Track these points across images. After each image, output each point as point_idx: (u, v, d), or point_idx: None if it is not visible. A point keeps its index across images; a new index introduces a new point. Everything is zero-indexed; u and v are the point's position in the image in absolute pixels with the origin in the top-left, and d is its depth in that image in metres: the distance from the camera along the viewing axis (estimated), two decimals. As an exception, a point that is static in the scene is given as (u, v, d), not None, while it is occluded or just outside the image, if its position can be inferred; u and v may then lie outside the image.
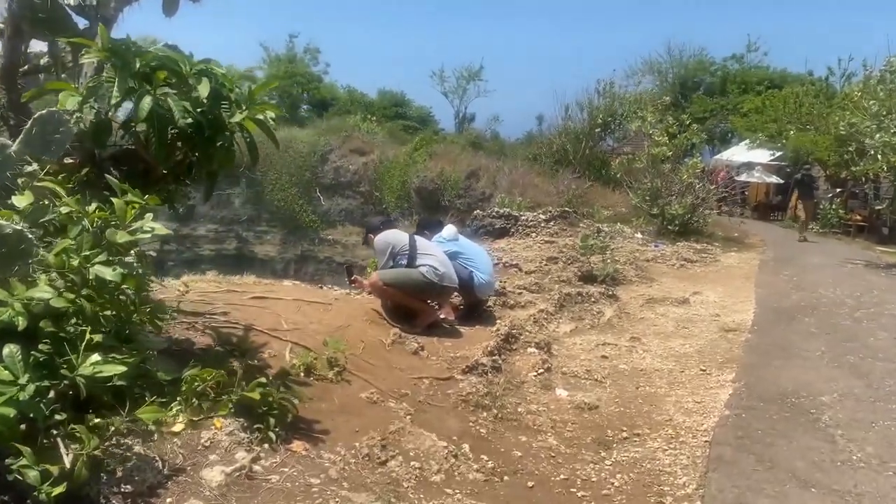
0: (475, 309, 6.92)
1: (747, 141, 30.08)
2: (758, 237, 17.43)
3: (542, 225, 12.68)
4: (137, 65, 3.30)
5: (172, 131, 3.42)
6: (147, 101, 3.26)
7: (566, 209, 13.83)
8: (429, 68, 53.53)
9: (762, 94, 33.43)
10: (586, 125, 21.69)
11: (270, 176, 29.63)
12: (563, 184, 16.71)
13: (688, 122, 14.77)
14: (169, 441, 3.29)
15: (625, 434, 4.80)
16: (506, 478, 4.00)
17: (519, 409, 4.94)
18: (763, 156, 28.54)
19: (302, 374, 4.35)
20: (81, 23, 3.74)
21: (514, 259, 9.74)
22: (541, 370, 5.73)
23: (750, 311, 8.37)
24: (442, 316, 6.37)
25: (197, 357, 3.87)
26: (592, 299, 8.18)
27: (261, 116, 3.62)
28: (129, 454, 3.06)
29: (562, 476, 4.11)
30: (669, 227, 14.09)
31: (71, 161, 3.49)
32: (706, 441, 4.68)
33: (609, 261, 9.94)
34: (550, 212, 13.24)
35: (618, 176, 16.47)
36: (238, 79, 3.62)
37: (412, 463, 3.84)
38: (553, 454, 4.39)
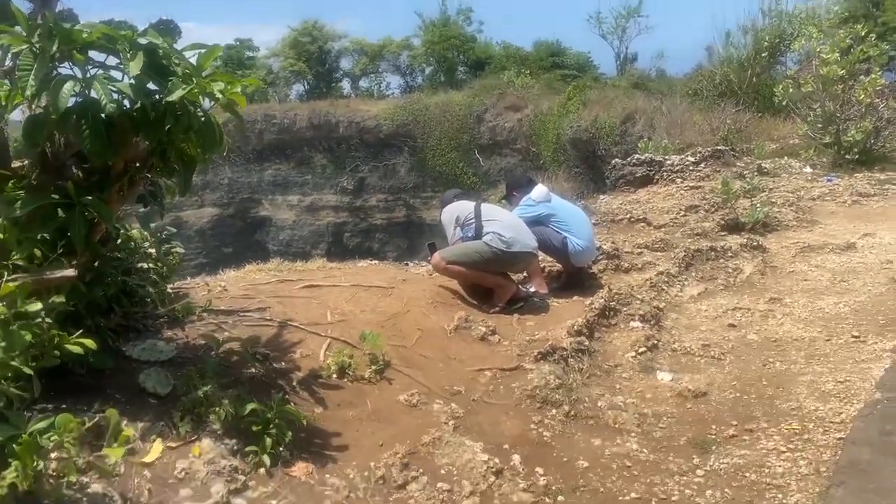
0: (577, 277, 6.05)
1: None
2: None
3: (691, 168, 11.22)
4: (56, 46, 2.79)
5: (124, 117, 2.92)
6: (68, 88, 2.76)
7: (720, 147, 12.19)
8: (586, 12, 50.66)
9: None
10: (751, 51, 19.26)
11: (431, 142, 29.69)
12: (719, 118, 14.84)
13: (864, 34, 12.40)
14: (139, 473, 2.83)
15: (732, 431, 3.82)
16: (560, 498, 3.21)
17: (600, 404, 4.08)
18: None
19: (335, 376, 3.82)
20: (25, 6, 3.31)
21: (645, 212, 8.59)
22: (643, 349, 4.82)
23: (937, 255, 6.73)
24: (532, 289, 5.60)
25: (203, 365, 3.41)
26: (730, 253, 6.96)
27: (215, 91, 3.00)
28: (78, 496, 2.63)
29: (633, 494, 3.24)
30: (847, 156, 11.99)
31: (18, 164, 3.10)
32: (839, 438, 3.58)
33: (759, 204, 8.50)
34: (700, 152, 11.69)
35: (783, 103, 14.31)
36: (188, 49, 3.03)
37: (439, 484, 3.17)
38: (630, 463, 3.52)
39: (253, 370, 3.57)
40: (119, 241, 3.68)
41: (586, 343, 4.64)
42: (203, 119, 3.03)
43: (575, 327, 4.74)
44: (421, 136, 29.91)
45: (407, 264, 6.88)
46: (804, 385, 4.27)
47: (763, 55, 19.04)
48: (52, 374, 2.81)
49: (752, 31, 19.65)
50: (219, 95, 2.97)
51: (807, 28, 14.49)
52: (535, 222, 5.75)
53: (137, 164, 3.23)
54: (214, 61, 3.04)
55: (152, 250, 3.99)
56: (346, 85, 39.80)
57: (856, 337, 4.89)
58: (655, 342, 4.94)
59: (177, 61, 2.98)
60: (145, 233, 3.92)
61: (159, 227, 3.92)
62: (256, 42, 44.53)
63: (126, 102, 2.90)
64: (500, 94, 28.66)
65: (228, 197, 31.49)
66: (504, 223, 5.32)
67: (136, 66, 2.82)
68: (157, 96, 2.93)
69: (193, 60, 3.01)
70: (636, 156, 11.83)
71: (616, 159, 12.22)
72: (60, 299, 2.86)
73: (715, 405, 4.14)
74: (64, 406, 2.85)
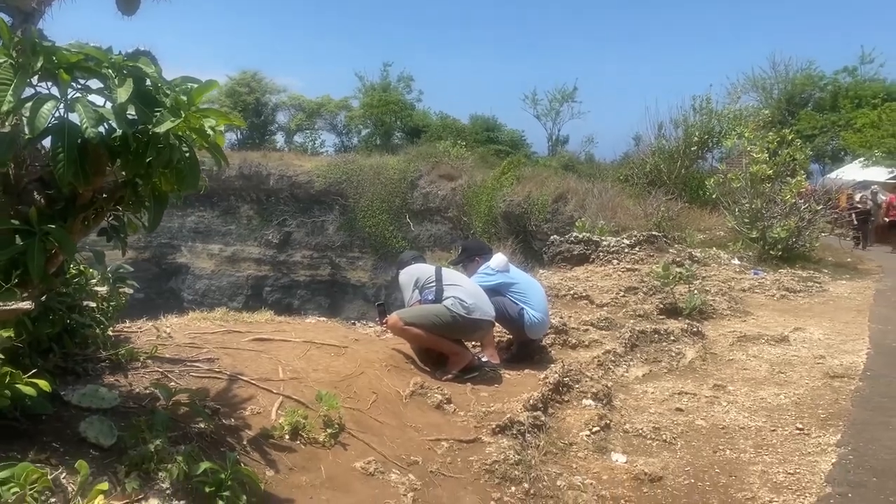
0: (527, 349, 6.01)
1: (862, 158, 27.61)
2: (874, 262, 15.53)
3: (626, 251, 11.54)
4: (40, 63, 2.63)
5: (101, 145, 2.74)
6: (48, 108, 2.59)
7: (654, 233, 12.62)
8: (521, 92, 52.54)
9: (878, 108, 30.73)
10: (681, 143, 20.28)
11: (362, 203, 29.72)
12: (653, 205, 15.43)
13: (790, 138, 13.24)
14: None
15: (692, 519, 3.76)
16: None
17: (559, 483, 3.98)
18: (880, 174, 26.10)
19: (287, 437, 3.60)
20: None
21: (586, 289, 8.71)
22: (596, 428, 4.76)
23: (862, 352, 7.02)
24: (484, 359, 5.52)
25: (151, 417, 3.15)
26: (672, 337, 7.08)
27: (205, 127, 2.88)
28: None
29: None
30: (771, 251, 12.62)
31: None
32: (799, 533, 3.58)
33: (697, 291, 8.76)
34: (636, 236, 12.06)
35: (713, 196, 15.03)
36: (178, 82, 2.91)
37: (394, 564, 2.97)
38: (592, 548, 3.41)
39: (202, 425, 3.33)
40: (67, 275, 3.43)
41: (542, 418, 4.57)
42: (188, 155, 2.89)
43: (531, 401, 4.66)
44: (353, 195, 29.99)
45: (354, 323, 6.72)
46: (756, 475, 4.30)
47: (693, 148, 20.03)
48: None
49: (684, 125, 20.70)
50: (209, 132, 2.85)
51: (737, 128, 15.39)
52: (493, 291, 5.71)
53: (105, 196, 3.06)
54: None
55: (99, 288, 3.74)
56: (280, 138, 39.72)
57: (800, 429, 4.99)
58: (608, 422, 4.91)
59: (167, 91, 2.85)
60: (95, 269, 3.67)
61: (116, 265, 3.68)
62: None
63: (103, 129, 2.75)
64: (435, 163, 29.16)
65: (146, 240, 30.48)
66: (465, 289, 5.27)
67: (124, 93, 2.68)
68: (140, 126, 2.79)
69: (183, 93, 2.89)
70: (574, 234, 12.10)
71: (554, 236, 12.46)
72: (9, 334, 2.62)
73: (671, 490, 4.10)
74: (-3, 454, 2.57)
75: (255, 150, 32.83)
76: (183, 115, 2.81)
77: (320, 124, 39.77)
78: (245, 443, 3.42)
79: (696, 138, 20.26)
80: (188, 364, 3.95)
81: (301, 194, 31.04)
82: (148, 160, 2.80)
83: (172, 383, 3.61)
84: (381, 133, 37.99)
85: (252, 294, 31.24)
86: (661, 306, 8.26)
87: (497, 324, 5.78)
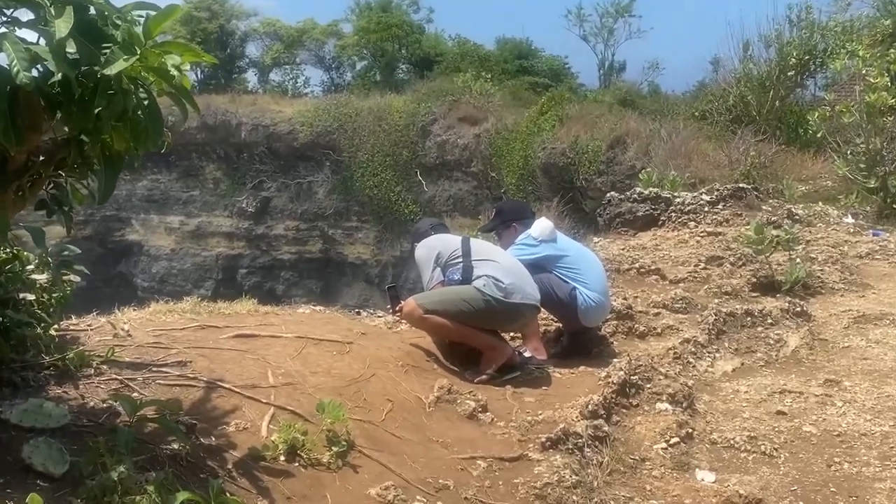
0: (582, 340, 6.08)
1: None
2: None
3: (706, 209, 11.47)
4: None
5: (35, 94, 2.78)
6: (-36, 50, 2.62)
7: (742, 185, 12.54)
8: (563, 6, 52.09)
9: None
10: (774, 67, 20.04)
11: (360, 157, 29.75)
12: (739, 150, 15.33)
13: (919, 56, 13.05)
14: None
15: (802, 553, 3.80)
16: None
17: (629, 509, 4.03)
18: None
19: (282, 458, 3.69)
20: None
21: (656, 261, 8.71)
22: (675, 439, 4.81)
23: None
24: (527, 354, 5.58)
25: (111, 437, 3.23)
26: (769, 320, 7.08)
27: (167, 65, 2.91)
28: None
29: None
30: (895, 205, 12.50)
31: None
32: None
33: (799, 259, 8.72)
34: (718, 190, 12.00)
35: (818, 136, 14.89)
36: (130, 9, 2.94)
37: None
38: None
39: (176, 446, 3.42)
40: (-1, 261, 3.51)
41: (605, 428, 4.62)
42: (147, 103, 2.92)
43: (590, 407, 4.70)
44: (347, 148, 30.05)
45: (359, 312, 6.81)
46: (883, 494, 4.31)
47: (789, 73, 19.79)
48: None
49: (778, 44, 20.42)
50: (173, 72, 2.88)
51: (848, 44, 15.19)
52: (536, 267, 5.76)
53: (43, 158, 3.11)
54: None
55: (39, 276, 3.81)
56: (251, 77, 39.81)
57: (940, 435, 4.99)
58: (690, 431, 4.95)
59: (117, 21, 2.88)
60: (33, 254, 3.74)
61: (59, 245, 3.75)
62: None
63: (38, 72, 2.78)
64: (453, 102, 29.05)
65: (86, 213, 30.74)
66: (502, 265, 5.31)
67: (64, 25, 2.70)
68: (85, 68, 2.82)
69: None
70: (637, 189, 12.03)
71: (611, 193, 12.40)
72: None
73: (774, 517, 4.14)
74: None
75: (220, 94, 32.97)
76: (139, 52, 2.84)
77: (303, 57, 39.82)
78: (230, 466, 3.50)
79: (793, 60, 19.98)
80: (154, 369, 4.05)
81: (281, 149, 31.17)
82: (96, 111, 2.84)
83: (136, 394, 3.68)
84: (382, 66, 37.97)
85: (223, 279, 31.58)
86: (754, 280, 8.23)
87: (543, 309, 5.82)
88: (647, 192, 11.92)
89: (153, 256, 32.28)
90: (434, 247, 5.53)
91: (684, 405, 5.26)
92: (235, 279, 31.28)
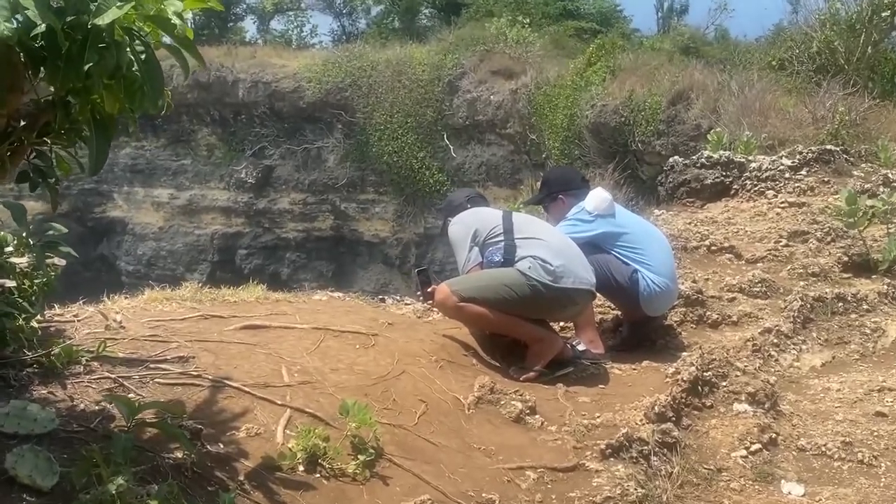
0: (645, 331, 6.12)
1: None
2: None
3: (787, 176, 11.40)
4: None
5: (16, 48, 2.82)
6: (-61, -3, 2.65)
7: (829, 147, 12.44)
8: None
9: None
10: (865, 7, 19.82)
11: (377, 119, 29.74)
12: (826, 105, 15.20)
13: None
14: None
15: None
16: None
17: (705, 529, 4.06)
18: None
19: (302, 468, 3.76)
20: None
21: (729, 237, 8.70)
22: (756, 445, 4.83)
23: None
24: (581, 347, 5.62)
25: (107, 444, 3.29)
26: (865, 305, 7.06)
27: (167, 13, 2.93)
28: None
29: None
30: None
31: None
32: None
33: (900, 235, 8.66)
34: (801, 153, 11.92)
35: (920, 88, 14.78)
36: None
37: None
38: None
39: (180, 454, 3.47)
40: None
41: (675, 433, 4.64)
42: (144, 57, 2.95)
43: (656, 409, 4.73)
44: (362, 108, 30.02)
45: (383, 300, 6.86)
46: None
47: (884, 14, 19.55)
48: None
49: (871, -21, 20.18)
50: (175, 21, 2.90)
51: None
52: (592, 246, 5.79)
53: (25, 123, 3.15)
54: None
55: (19, 259, 3.87)
56: (250, 26, 39.87)
57: None
58: (773, 435, 4.96)
59: (108, -37, 2.90)
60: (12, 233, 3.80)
61: (41, 223, 3.80)
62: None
63: (17, 23, 2.81)
64: (485, 53, 28.92)
65: (62, 186, 31.04)
66: (550, 244, 5.34)
67: (47, -32, 2.74)
68: (72, 17, 2.84)
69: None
70: (705, 153, 11.97)
71: (674, 157, 12.36)
72: None
73: (874, 536, 4.15)
74: None
75: (214, 46, 32.92)
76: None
77: (310, 1, 39.81)
78: (242, 478, 3.57)
79: (888, -1, 19.83)
80: (152, 366, 4.12)
81: (285, 109, 31.18)
82: (86, 67, 2.86)
83: (132, 394, 3.75)
84: (401, 10, 37.89)
85: (220, 261, 31.74)
86: (846, 259, 8.20)
87: (599, 295, 5.85)
88: (716, 155, 11.85)
89: (139, 236, 32.46)
90: (471, 223, 5.56)
91: (766, 406, 5.26)
92: (234, 261, 31.43)
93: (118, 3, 2.78)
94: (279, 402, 4.06)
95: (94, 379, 3.84)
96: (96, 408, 3.61)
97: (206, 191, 32.12)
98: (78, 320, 4.64)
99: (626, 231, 5.99)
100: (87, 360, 3.94)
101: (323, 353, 4.65)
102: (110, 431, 3.41)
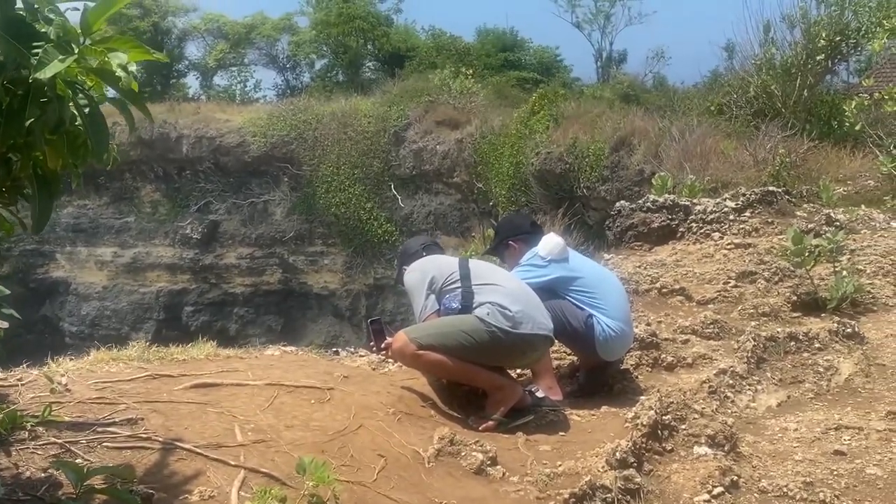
0: (602, 376, 6.06)
1: None
2: None
3: (732, 217, 11.50)
4: None
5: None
6: None
7: (771, 188, 12.58)
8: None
9: None
10: (800, 51, 20.21)
11: (323, 171, 29.75)
12: (766, 147, 15.42)
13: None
14: None
15: None
16: None
17: (671, 577, 3.98)
18: None
19: (258, 531, 3.61)
20: None
21: (678, 279, 8.71)
22: (718, 488, 4.76)
23: None
24: (540, 394, 5.58)
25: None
26: (817, 344, 7.07)
27: (112, 66, 2.87)
28: None
29: None
30: (950, 207, 12.62)
31: None
32: None
33: (845, 272, 8.73)
34: (744, 195, 12.03)
35: (856, 129, 15.00)
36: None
37: None
38: None
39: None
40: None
41: (637, 479, 4.57)
42: (88, 111, 2.88)
43: (618, 454, 4.64)
44: (308, 160, 30.07)
45: (337, 352, 6.77)
46: (969, 547, 4.29)
47: (819, 58, 19.95)
48: None
49: (803, 23, 20.60)
50: (119, 73, 2.84)
51: (886, 20, 15.28)
52: (546, 291, 5.74)
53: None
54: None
55: (-42, 323, 3.74)
56: (192, 82, 39.78)
57: None
58: (735, 478, 4.89)
59: (50, 15, 2.84)
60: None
61: (-17, 283, 3.68)
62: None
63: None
64: (430, 104, 29.17)
65: (2, 247, 30.60)
66: (507, 290, 5.28)
67: (-19, 20, 2.66)
68: (12, 71, 2.78)
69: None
70: (651, 197, 12.03)
71: (620, 202, 12.40)
72: None
73: (841, 577, 4.10)
74: None
75: (157, 103, 32.83)
76: (77, 51, 2.80)
77: (253, 57, 39.95)
78: (196, 545, 3.45)
79: (822, 42, 20.13)
80: (100, 429, 4.00)
81: (230, 164, 31.14)
82: (27, 123, 2.80)
83: (80, 460, 3.64)
84: (345, 64, 38.12)
85: (166, 318, 31.44)
86: (795, 298, 8.25)
87: (556, 340, 5.78)
88: (661, 199, 11.91)
89: (82, 296, 32.05)
90: (427, 270, 5.50)
91: (726, 448, 5.20)
92: (180, 318, 31.14)
93: (60, 57, 2.72)
94: (233, 463, 3.94)
95: (39, 445, 3.72)
96: (43, 475, 3.49)
97: (150, 248, 31.89)
98: (22, 384, 4.50)
99: (580, 275, 5.96)
100: (32, 426, 3.84)
101: (277, 410, 4.55)
102: (58, 499, 3.31)
